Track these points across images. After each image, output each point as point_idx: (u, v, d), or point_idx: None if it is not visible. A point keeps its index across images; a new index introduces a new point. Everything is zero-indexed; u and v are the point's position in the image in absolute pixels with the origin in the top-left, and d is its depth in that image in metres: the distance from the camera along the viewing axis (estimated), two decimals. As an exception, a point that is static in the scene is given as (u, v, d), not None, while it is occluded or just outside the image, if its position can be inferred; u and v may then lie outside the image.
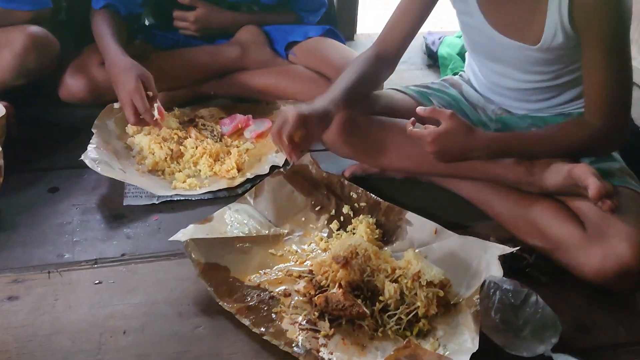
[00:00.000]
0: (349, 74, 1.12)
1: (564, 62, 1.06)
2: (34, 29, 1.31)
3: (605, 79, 0.98)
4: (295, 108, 1.01)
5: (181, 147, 1.27)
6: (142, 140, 1.29)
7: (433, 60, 1.84)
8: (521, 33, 1.04)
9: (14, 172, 1.18)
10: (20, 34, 1.28)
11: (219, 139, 1.34)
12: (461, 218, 1.14)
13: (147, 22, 1.66)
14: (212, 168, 1.25)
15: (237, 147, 1.32)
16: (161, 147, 1.26)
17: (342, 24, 1.95)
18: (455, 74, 1.67)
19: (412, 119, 1.03)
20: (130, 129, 1.33)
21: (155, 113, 1.23)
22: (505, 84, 1.16)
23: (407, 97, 1.24)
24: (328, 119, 1.05)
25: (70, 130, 1.38)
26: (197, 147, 1.27)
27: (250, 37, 1.51)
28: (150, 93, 1.22)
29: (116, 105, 1.36)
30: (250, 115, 1.41)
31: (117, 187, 1.18)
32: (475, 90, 1.28)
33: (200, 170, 1.25)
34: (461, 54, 1.77)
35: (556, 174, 1.01)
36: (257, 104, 1.50)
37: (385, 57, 1.19)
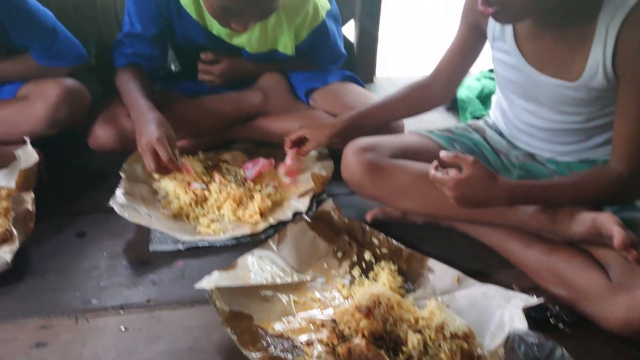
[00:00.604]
0: (390, 95, 1.30)
1: (598, 105, 1.06)
2: (69, 82, 1.36)
3: (636, 127, 0.98)
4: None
5: (205, 192, 1.30)
6: (168, 184, 1.32)
7: (452, 102, 1.86)
8: (560, 71, 1.04)
9: (44, 217, 1.22)
10: (56, 87, 1.33)
11: (242, 183, 1.37)
12: (483, 265, 1.14)
13: (173, 68, 1.71)
14: (236, 213, 1.27)
15: (260, 191, 1.34)
16: (186, 191, 1.29)
17: (361, 67, 2.00)
18: (477, 117, 1.70)
19: (436, 163, 1.04)
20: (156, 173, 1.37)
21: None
22: (536, 123, 1.17)
23: (430, 141, 1.26)
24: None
25: (98, 174, 1.43)
26: (220, 192, 1.30)
27: (272, 84, 1.55)
28: (176, 151, 1.25)
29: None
30: (272, 159, 1.43)
31: (143, 232, 1.21)
32: (500, 134, 1.29)
33: (224, 215, 1.27)
34: (480, 97, 1.79)
35: (580, 222, 1.01)
36: (279, 148, 1.52)
37: (437, 89, 1.29)
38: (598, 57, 0.97)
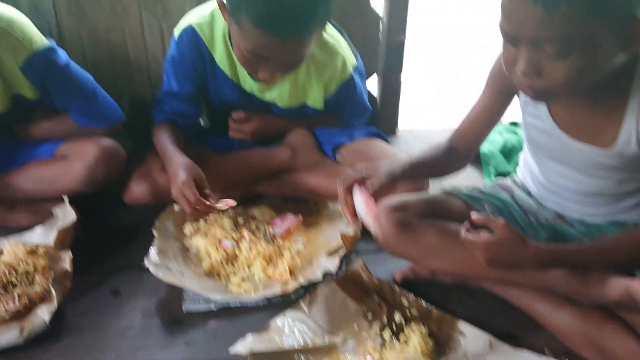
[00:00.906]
0: (420, 153, 1.25)
1: (630, 170, 1.07)
2: (106, 142, 1.41)
3: None
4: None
5: (235, 250, 1.32)
6: (199, 242, 1.35)
7: (475, 156, 1.88)
8: (592, 137, 1.05)
9: (79, 273, 1.24)
10: (93, 147, 1.38)
11: (271, 240, 1.39)
12: (513, 327, 1.14)
13: (202, 123, 1.77)
14: (266, 271, 1.29)
15: (289, 249, 1.36)
16: (217, 249, 1.32)
17: (384, 120, 2.04)
18: (501, 172, 1.72)
19: (467, 224, 1.06)
20: (187, 229, 1.40)
21: (221, 205, 1.30)
22: (567, 185, 1.18)
23: (459, 200, 1.28)
24: (390, 185, 1.14)
25: (130, 230, 1.46)
26: (250, 249, 1.32)
27: (300, 140, 1.59)
28: (207, 190, 1.30)
29: (176, 207, 1.44)
30: (300, 216, 1.46)
31: (176, 290, 1.23)
32: (529, 194, 1.30)
33: (254, 273, 1.29)
34: (503, 152, 1.81)
35: (612, 288, 1.01)
36: (307, 204, 1.56)
37: (459, 151, 1.28)
38: (632, 126, 0.99)
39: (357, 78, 1.55)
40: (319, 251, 1.35)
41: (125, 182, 1.45)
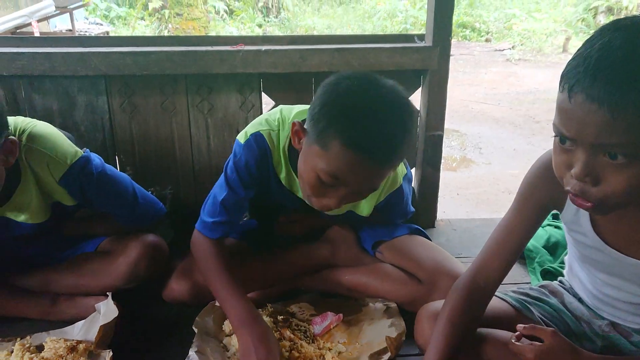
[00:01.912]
0: (445, 335, 1.09)
1: None
2: (149, 238, 1.44)
3: None
4: None
5: (276, 351, 1.29)
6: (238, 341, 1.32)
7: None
8: None
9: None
10: (137, 244, 1.41)
11: (312, 340, 1.36)
12: None
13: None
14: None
15: (330, 349, 1.32)
16: (257, 349, 1.29)
17: (422, 212, 2.03)
18: (546, 269, 1.67)
19: (517, 332, 1.01)
20: (227, 327, 1.38)
21: None
22: (619, 297, 1.12)
23: (505, 305, 1.23)
24: None
25: (169, 325, 1.44)
26: (291, 351, 1.28)
27: (340, 236, 1.58)
28: None
29: (217, 303, 1.43)
30: (341, 315, 1.43)
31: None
32: (580, 300, 1.24)
33: (294, 376, 1.25)
34: (547, 247, 1.77)
35: None
36: (346, 300, 1.53)
37: (483, 287, 1.14)
38: None
39: (405, 187, 1.52)
40: (361, 353, 1.31)
41: (165, 278, 1.46)
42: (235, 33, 10.42)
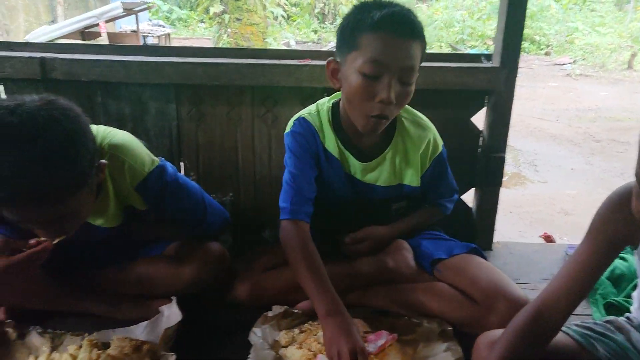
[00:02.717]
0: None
1: None
2: (214, 246, 1.49)
3: None
4: None
5: (331, 367, 1.30)
6: (295, 353, 1.34)
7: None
8: None
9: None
10: (202, 252, 1.46)
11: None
12: None
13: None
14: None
15: (383, 369, 1.33)
16: (311, 363, 1.30)
17: (480, 234, 2.00)
18: (613, 304, 1.61)
19: None
20: (282, 338, 1.40)
21: None
22: None
23: (568, 339, 1.20)
24: None
25: (227, 332, 1.47)
26: (346, 368, 1.29)
27: (396, 251, 1.58)
28: None
29: (270, 313, 1.45)
30: (395, 335, 1.42)
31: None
32: None
33: (348, 394, 1.25)
34: (611, 279, 1.71)
35: None
36: (399, 319, 1.52)
37: (547, 320, 1.11)
38: None
39: (446, 155, 1.63)
40: (415, 376, 1.30)
41: (226, 285, 1.50)
42: (291, 38, 10.56)
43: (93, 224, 1.41)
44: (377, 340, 1.41)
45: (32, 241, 1.25)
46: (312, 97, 1.85)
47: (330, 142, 1.52)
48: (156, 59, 1.81)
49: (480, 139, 1.93)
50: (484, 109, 1.91)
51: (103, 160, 1.24)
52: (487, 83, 1.81)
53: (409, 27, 1.33)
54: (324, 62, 1.81)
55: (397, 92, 1.33)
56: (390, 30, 1.30)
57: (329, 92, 1.84)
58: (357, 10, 1.37)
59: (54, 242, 1.24)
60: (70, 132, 1.12)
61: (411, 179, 1.57)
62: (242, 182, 1.95)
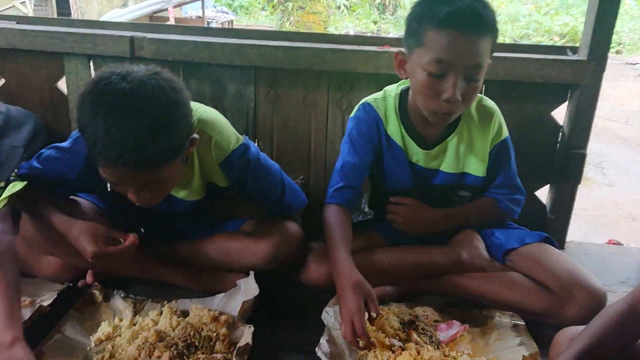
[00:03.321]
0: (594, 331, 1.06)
1: None
2: (291, 225, 1.53)
3: None
4: None
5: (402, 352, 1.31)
6: (366, 335, 1.35)
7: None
8: None
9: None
10: (279, 230, 1.50)
11: (436, 346, 1.36)
12: None
13: (365, 209, 1.83)
14: (430, 378, 1.25)
15: (455, 358, 1.32)
16: (383, 346, 1.31)
17: (553, 232, 1.94)
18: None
19: None
20: (353, 320, 1.42)
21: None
22: None
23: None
24: None
25: (300, 309, 1.51)
26: (419, 353, 1.30)
27: (469, 242, 1.57)
28: (374, 314, 1.30)
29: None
30: (467, 325, 1.42)
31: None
32: None
33: (419, 378, 1.26)
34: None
35: None
36: (470, 311, 1.51)
37: None
38: None
39: (511, 145, 1.58)
40: (488, 367, 1.30)
41: (299, 263, 1.53)
42: (351, 28, 10.53)
43: (176, 196, 1.46)
44: (449, 330, 1.41)
45: (130, 236, 1.32)
46: (388, 84, 1.83)
47: (394, 129, 1.52)
48: (238, 41, 1.85)
49: (560, 134, 1.87)
50: (565, 104, 1.85)
51: (195, 135, 1.29)
52: (573, 76, 1.75)
53: (476, 23, 1.28)
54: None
55: (463, 89, 1.31)
56: (457, 27, 1.26)
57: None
58: (423, 2, 1.34)
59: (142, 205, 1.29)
60: (174, 102, 1.18)
61: (476, 168, 1.54)
62: (313, 166, 1.98)
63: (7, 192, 1.30)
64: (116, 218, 1.53)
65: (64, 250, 1.42)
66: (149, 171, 1.19)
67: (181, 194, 1.47)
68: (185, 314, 1.43)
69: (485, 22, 1.29)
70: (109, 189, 1.64)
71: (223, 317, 1.37)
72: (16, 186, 1.32)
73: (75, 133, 1.39)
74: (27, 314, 1.33)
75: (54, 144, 1.41)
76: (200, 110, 1.40)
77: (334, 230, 1.46)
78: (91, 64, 1.93)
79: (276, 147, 1.96)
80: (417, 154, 1.53)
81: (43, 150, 1.40)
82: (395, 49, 1.79)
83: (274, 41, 1.87)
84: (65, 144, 1.40)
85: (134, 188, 1.23)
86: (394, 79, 1.83)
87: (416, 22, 1.33)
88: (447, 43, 1.27)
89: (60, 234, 1.34)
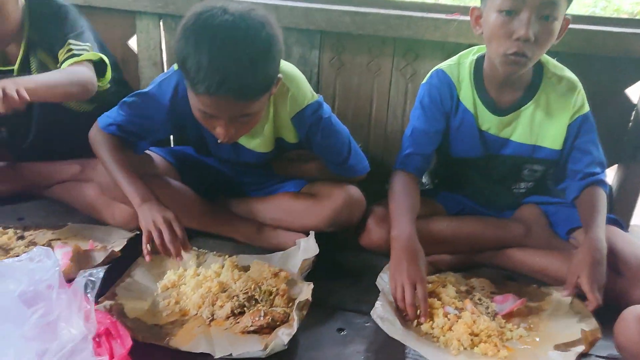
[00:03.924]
0: None
1: None
2: (353, 190, 1.54)
3: None
4: None
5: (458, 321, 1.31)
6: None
7: None
8: None
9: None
10: (342, 193, 1.52)
11: (492, 318, 1.36)
12: None
13: (426, 180, 1.82)
14: (484, 348, 1.25)
15: (511, 330, 1.32)
16: (438, 315, 1.32)
17: (618, 213, 1.88)
18: None
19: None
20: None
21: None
22: None
23: None
24: None
25: (357, 273, 1.54)
26: (474, 322, 1.30)
27: (533, 217, 1.55)
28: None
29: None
30: (524, 299, 1.40)
31: (397, 345, 1.25)
32: None
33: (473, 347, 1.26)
34: None
35: None
36: (527, 286, 1.49)
37: None
38: None
39: (593, 121, 1.51)
40: (545, 342, 1.28)
41: (360, 226, 1.55)
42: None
43: (246, 146, 1.51)
44: (504, 303, 1.41)
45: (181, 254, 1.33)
46: (455, 53, 1.78)
47: (467, 95, 1.50)
48: (306, 4, 1.85)
49: (633, 113, 1.79)
50: (640, 81, 1.77)
51: (280, 75, 1.33)
52: (655, 52, 1.66)
53: None
54: (472, 18, 1.76)
55: (536, 29, 1.27)
56: None
57: (472, 49, 1.80)
58: None
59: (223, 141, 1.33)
60: (272, 37, 1.22)
61: (553, 140, 1.49)
62: (373, 133, 1.98)
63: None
64: (185, 173, 1.58)
65: None
66: (245, 102, 1.23)
67: (252, 144, 1.51)
68: (245, 269, 1.47)
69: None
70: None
71: (283, 273, 1.42)
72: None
73: (159, 77, 1.45)
74: (100, 257, 1.42)
75: (136, 92, 1.48)
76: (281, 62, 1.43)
77: (400, 197, 1.47)
78: (161, 23, 1.98)
79: (337, 112, 1.94)
80: (489, 121, 1.50)
81: (125, 98, 1.47)
82: (465, 17, 1.76)
83: (342, 5, 1.86)
84: (148, 89, 1.46)
85: (225, 120, 1.26)
86: (461, 48, 1.80)
87: None
88: None
89: None
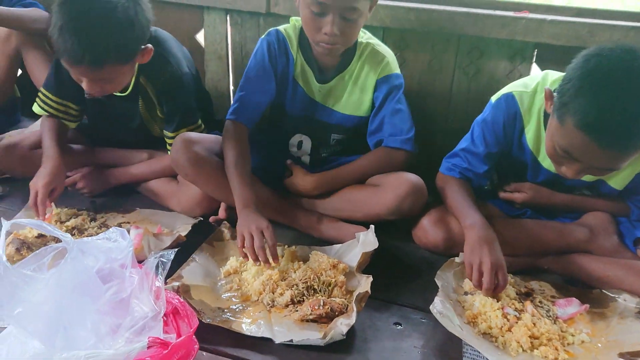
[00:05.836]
0: None
1: None
2: (415, 179, 1.54)
3: None
4: None
5: (518, 321, 1.30)
6: (476, 300, 1.35)
7: None
8: None
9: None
10: (405, 181, 1.53)
11: (554, 321, 1.33)
12: None
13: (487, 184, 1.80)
14: (544, 351, 1.23)
15: (573, 335, 1.29)
16: (497, 315, 1.31)
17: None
18: None
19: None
20: (466, 285, 1.42)
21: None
22: None
23: None
24: None
25: (412, 269, 1.54)
26: (534, 324, 1.28)
27: (600, 223, 1.51)
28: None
29: (457, 259, 1.48)
30: (587, 305, 1.37)
31: (455, 341, 1.25)
32: None
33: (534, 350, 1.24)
34: None
35: None
36: (590, 291, 1.46)
37: None
38: None
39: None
40: (609, 350, 1.25)
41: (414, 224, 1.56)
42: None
43: (332, 108, 1.69)
44: (568, 307, 1.38)
45: None
46: (521, 52, 1.77)
47: (532, 131, 1.46)
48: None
49: None
50: None
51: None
52: None
53: (627, 141, 1.16)
54: (542, 16, 1.73)
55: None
56: (599, 140, 1.15)
57: (540, 48, 1.76)
58: (583, 77, 1.18)
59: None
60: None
61: (615, 181, 1.46)
62: (433, 132, 1.96)
63: None
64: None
65: (213, 184, 1.58)
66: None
67: (338, 106, 1.69)
68: (304, 259, 1.51)
69: (635, 142, 1.17)
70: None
71: (341, 265, 1.44)
72: None
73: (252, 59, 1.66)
74: (168, 241, 1.48)
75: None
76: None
77: (459, 194, 1.50)
78: (228, 18, 2.03)
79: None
80: (550, 165, 1.44)
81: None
82: (533, 15, 1.73)
83: (406, 2, 1.86)
84: (249, 71, 1.64)
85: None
86: (527, 47, 1.78)
87: (567, 95, 1.20)
88: (581, 146, 1.19)
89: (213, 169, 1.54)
